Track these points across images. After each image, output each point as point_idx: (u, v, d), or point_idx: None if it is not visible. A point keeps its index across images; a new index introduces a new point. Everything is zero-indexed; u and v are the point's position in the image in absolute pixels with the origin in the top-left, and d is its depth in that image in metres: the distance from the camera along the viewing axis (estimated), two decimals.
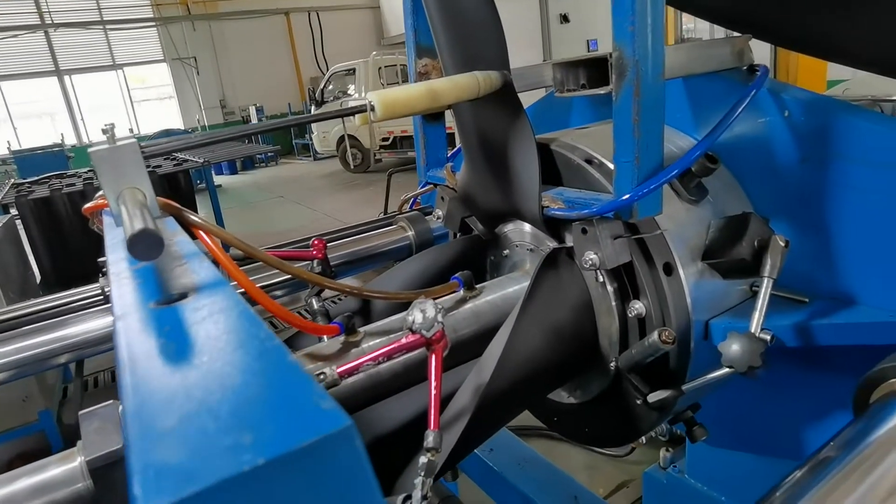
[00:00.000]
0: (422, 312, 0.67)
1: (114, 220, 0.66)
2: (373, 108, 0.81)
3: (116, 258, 0.58)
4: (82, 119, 15.27)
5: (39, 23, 14.35)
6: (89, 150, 0.64)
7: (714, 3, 0.94)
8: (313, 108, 12.88)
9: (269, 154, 16.26)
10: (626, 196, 0.77)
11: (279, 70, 17.41)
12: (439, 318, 0.67)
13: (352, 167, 12.33)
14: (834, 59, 1.14)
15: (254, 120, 16.44)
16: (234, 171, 14.79)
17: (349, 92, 12.13)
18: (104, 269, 1.43)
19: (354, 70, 12.00)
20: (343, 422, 0.24)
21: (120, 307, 0.44)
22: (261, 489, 0.23)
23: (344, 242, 1.49)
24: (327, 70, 13.79)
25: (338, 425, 0.24)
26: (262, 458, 0.23)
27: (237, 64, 17.12)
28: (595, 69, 0.80)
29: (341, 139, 12.36)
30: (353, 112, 0.84)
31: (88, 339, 1.24)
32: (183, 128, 15.91)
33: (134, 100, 16.29)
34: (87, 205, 1.03)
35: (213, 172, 7.21)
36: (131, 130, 13.20)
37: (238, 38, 17.05)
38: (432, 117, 1.20)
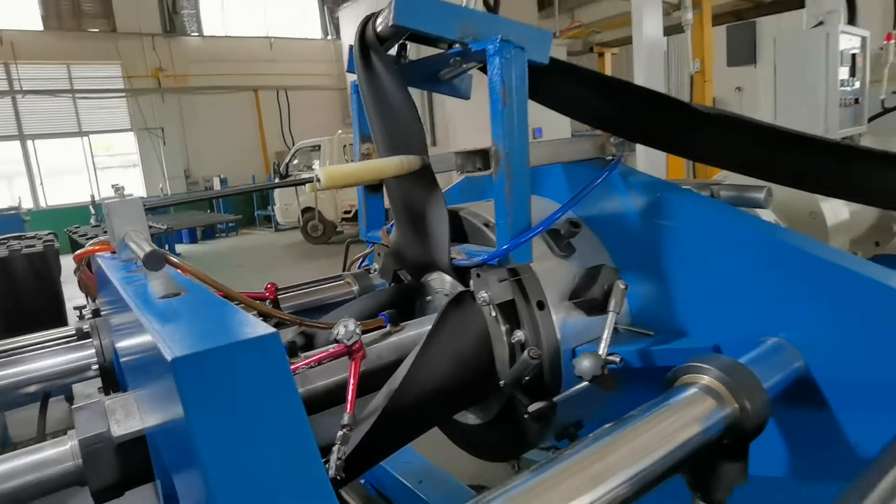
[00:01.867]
0: (344, 327, 0.91)
1: (118, 252, 0.89)
2: (319, 179, 1.07)
3: (119, 276, 0.80)
4: (41, 183, 15.22)
5: (8, 89, 14.54)
6: (104, 201, 0.88)
7: (581, 110, 1.26)
8: (277, 180, 13.22)
9: (231, 224, 16.38)
10: (504, 248, 1.04)
11: (246, 143, 17.85)
12: (357, 331, 0.91)
13: (313, 238, 12.57)
14: (687, 157, 1.47)
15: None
16: (194, 240, 14.82)
17: (313, 167, 12.57)
18: (82, 313, 1.61)
19: (320, 146, 12.50)
20: (269, 330, 0.48)
21: (136, 302, 0.67)
22: (225, 359, 0.46)
23: (296, 294, 1.72)
24: (293, 145, 14.28)
25: (267, 332, 0.48)
26: (225, 342, 0.46)
27: (204, 135, 17.50)
28: (484, 157, 1.09)
29: (304, 211, 12.66)
30: (303, 182, 1.10)
31: (64, 370, 1.41)
32: (146, 196, 15.96)
33: (98, 166, 16.37)
34: (78, 251, 1.25)
35: (174, 240, 7.34)
36: (93, 197, 13.20)
37: (207, 110, 17.52)
38: (372, 190, 1.48)
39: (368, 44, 1.16)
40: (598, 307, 1.13)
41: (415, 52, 1.26)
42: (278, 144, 17.59)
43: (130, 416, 0.92)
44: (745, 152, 1.20)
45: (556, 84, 1.19)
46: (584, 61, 8.49)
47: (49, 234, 6.63)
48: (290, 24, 18.58)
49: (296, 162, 13.03)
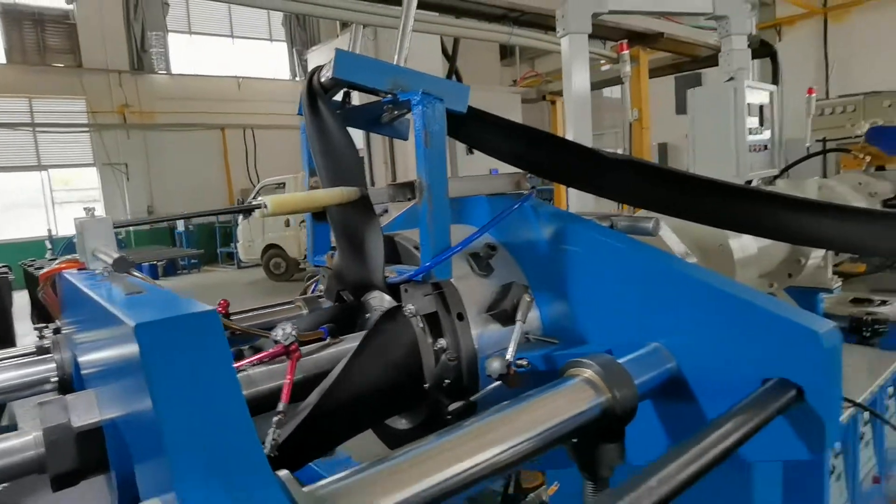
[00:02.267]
0: (282, 330, 1.06)
1: (88, 265, 1.03)
2: (266, 206, 1.24)
3: (87, 283, 0.94)
4: None
5: None
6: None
7: (498, 151, 1.46)
8: (241, 217, 13.26)
9: (193, 260, 16.23)
10: (427, 265, 1.21)
11: (211, 180, 17.86)
12: (293, 333, 1.06)
13: (276, 276, 12.57)
14: (591, 193, 1.69)
15: (181, 228, 16.54)
16: (155, 277, 14.59)
17: None
18: (42, 333, 1.71)
19: (284, 184, 12.64)
20: (209, 308, 0.64)
21: (102, 297, 0.81)
22: (176, 327, 0.62)
23: (249, 316, 1.85)
24: (258, 182, 14.38)
25: (206, 309, 0.64)
26: (177, 314, 0.62)
27: (169, 172, 17.45)
28: (411, 188, 1.27)
29: (267, 248, 12.69)
30: (252, 208, 1.26)
31: (23, 383, 1.50)
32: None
33: (56, 201, 16.11)
34: (45, 270, 1.38)
35: None
36: (50, 231, 12.97)
37: (173, 147, 17.52)
38: (319, 218, 1.64)
39: (315, 91, 1.34)
40: (510, 318, 1.30)
41: (359, 98, 1.45)
42: (244, 182, 17.64)
43: (90, 409, 1.04)
44: (638, 191, 1.42)
45: (475, 129, 1.40)
46: (537, 108, 8.96)
47: (3, 266, 6.55)
48: (258, 64, 18.91)
49: (260, 199, 13.08)
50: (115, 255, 0.82)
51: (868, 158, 4.22)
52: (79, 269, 1.21)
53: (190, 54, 19.06)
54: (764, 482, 1.86)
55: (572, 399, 1.01)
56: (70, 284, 1.13)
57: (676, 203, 1.40)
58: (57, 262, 1.32)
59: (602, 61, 6.09)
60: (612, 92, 12.55)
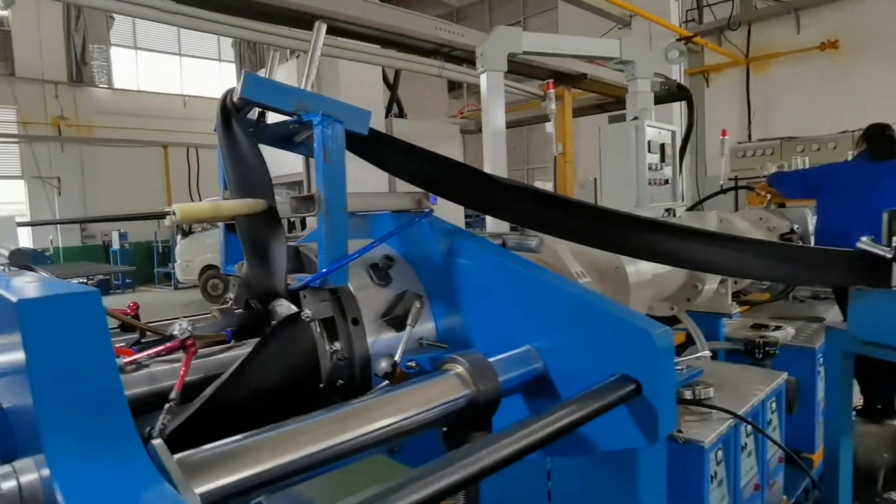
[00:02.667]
0: (179, 325, 1.14)
1: None
2: (174, 213, 1.32)
3: None
4: None
5: None
6: None
7: (398, 171, 1.60)
8: (179, 237, 12.96)
9: (128, 280, 15.66)
10: (323, 271, 1.32)
11: (151, 198, 17.33)
12: (189, 328, 1.14)
13: (213, 297, 12.29)
14: (481, 212, 1.85)
15: (115, 246, 15.99)
16: None
17: (219, 224, 12.45)
18: None
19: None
20: (91, 290, 0.73)
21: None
22: (58, 306, 0.70)
23: (165, 324, 1.90)
24: (200, 202, 14.12)
25: (90, 290, 0.73)
26: (59, 293, 0.71)
27: (106, 188, 16.89)
28: (312, 201, 1.38)
29: (204, 269, 12.42)
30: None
31: None
32: (32, 247, 14.97)
33: None
34: None
35: None
36: None
37: (111, 163, 17.00)
38: (231, 229, 1.72)
39: (228, 110, 1.45)
40: (402, 324, 1.42)
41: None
42: (185, 201, 17.21)
43: None
44: (532, 215, 1.58)
45: (376, 149, 1.53)
46: (476, 139, 9.28)
47: None
48: (206, 84, 18.71)
49: (169, 207, 12.86)
50: (15, 247, 0.89)
51: (769, 196, 4.62)
52: None
53: (134, 69, 18.68)
54: (648, 485, 2.03)
55: (442, 390, 1.13)
56: None
57: (566, 227, 1.58)
58: None
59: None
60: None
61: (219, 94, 1.46)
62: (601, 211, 1.59)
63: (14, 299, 0.70)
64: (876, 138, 4.06)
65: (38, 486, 0.68)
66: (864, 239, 1.82)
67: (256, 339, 1.47)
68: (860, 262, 1.81)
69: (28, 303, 0.69)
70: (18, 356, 0.72)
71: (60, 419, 0.70)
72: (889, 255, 1.74)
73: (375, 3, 3.70)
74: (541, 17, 17.18)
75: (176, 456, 0.80)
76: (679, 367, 2.25)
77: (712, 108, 13.48)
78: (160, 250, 16.72)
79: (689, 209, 4.66)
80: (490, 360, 1.23)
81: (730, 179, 5.66)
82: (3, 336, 0.85)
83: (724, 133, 5.76)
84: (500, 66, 3.04)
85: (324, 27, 2.79)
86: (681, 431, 2.22)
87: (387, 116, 6.36)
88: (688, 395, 2.43)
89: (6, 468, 0.71)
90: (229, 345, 1.43)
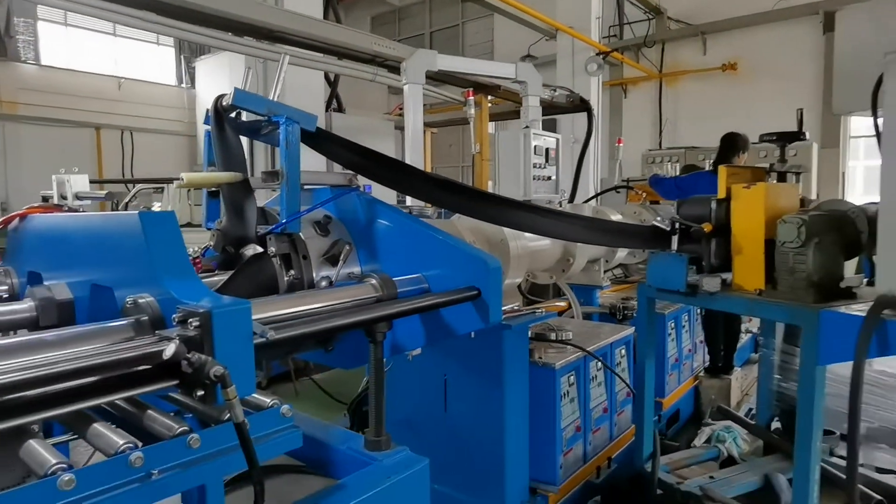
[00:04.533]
0: (191, 249, 1.79)
1: None
2: (182, 179, 1.96)
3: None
4: None
5: None
6: None
7: (339, 158, 2.29)
8: None
9: None
10: (283, 221, 2.00)
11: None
12: (198, 251, 1.80)
13: None
14: (400, 192, 2.59)
15: None
16: None
17: (153, 208, 12.57)
18: None
19: (163, 189, 12.56)
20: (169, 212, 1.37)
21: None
22: (147, 219, 1.36)
23: None
24: (134, 186, 14.09)
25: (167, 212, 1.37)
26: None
27: (29, 168, 16.39)
28: (277, 175, 2.05)
29: None
30: (170, 180, 1.97)
31: None
32: None
33: None
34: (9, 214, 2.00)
35: None
36: None
37: (36, 142, 16.51)
38: (213, 195, 2.36)
39: (220, 111, 2.09)
40: (336, 260, 2.12)
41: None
42: (118, 185, 16.96)
43: (65, 290, 1.70)
44: (435, 195, 2.32)
45: (321, 142, 2.22)
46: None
47: None
48: (142, 66, 18.44)
49: (135, 202, 12.91)
50: None
51: (644, 195, 5.57)
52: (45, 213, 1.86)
53: (65, 47, 18.17)
54: (515, 394, 2.84)
55: (362, 290, 1.85)
56: (51, 220, 1.79)
57: (459, 204, 2.32)
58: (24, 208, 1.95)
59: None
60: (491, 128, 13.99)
61: (158, 79, 2.08)
62: (484, 194, 2.36)
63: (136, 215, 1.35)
64: (721, 146, 5.04)
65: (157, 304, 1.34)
66: (657, 219, 2.68)
67: (226, 273, 2.13)
68: (654, 234, 2.68)
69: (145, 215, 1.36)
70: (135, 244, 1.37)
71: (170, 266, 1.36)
72: (668, 229, 2.60)
73: (321, 21, 4.33)
74: (477, 22, 18.02)
75: None
76: (540, 310, 3.04)
77: (629, 117, 14.77)
78: None
79: (583, 202, 5.55)
80: (394, 279, 1.95)
81: (623, 181, 6.63)
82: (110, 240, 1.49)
83: (619, 141, 6.72)
84: (420, 80, 3.74)
85: (287, 58, 3.44)
86: (541, 358, 3.02)
87: (327, 111, 6.96)
88: (552, 336, 3.25)
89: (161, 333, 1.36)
90: (214, 272, 2.08)
